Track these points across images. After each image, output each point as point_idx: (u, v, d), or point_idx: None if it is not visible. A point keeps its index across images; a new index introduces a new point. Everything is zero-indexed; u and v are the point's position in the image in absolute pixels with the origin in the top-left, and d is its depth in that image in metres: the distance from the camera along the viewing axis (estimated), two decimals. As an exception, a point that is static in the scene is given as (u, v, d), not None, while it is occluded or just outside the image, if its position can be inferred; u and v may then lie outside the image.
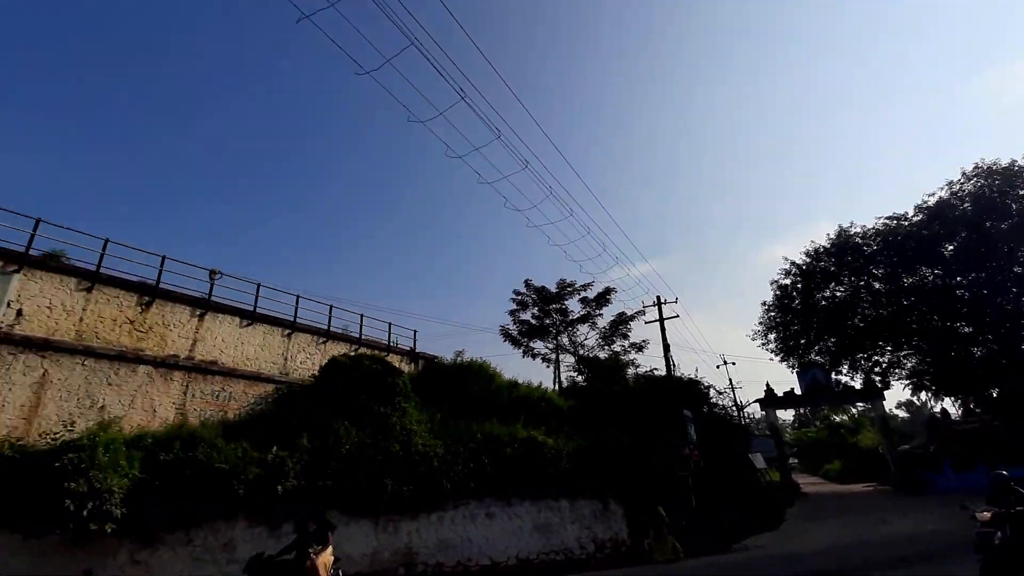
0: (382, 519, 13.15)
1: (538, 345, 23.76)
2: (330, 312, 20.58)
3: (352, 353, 18.39)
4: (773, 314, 36.89)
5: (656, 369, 23.41)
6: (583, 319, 23.48)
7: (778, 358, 37.00)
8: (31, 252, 13.49)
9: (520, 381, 21.76)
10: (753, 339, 38.06)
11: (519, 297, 23.80)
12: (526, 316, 23.70)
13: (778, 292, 36.42)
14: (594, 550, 14.75)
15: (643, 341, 23.89)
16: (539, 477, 14.79)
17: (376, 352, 21.67)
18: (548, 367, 24.59)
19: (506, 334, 23.71)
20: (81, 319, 14.02)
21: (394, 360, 22.53)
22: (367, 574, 12.52)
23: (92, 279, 14.36)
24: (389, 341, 22.66)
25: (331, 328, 20.41)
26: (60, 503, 9.77)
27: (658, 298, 20.61)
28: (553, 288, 23.62)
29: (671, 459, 17.42)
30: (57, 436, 11.42)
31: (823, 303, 34.31)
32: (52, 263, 13.96)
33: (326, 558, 7.92)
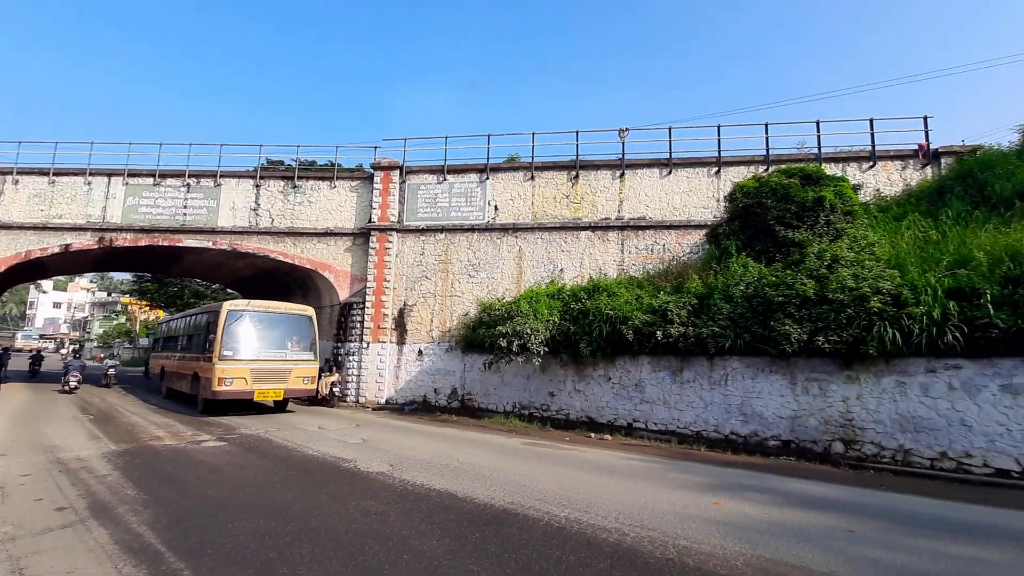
0: (799, 376, 9.77)
1: None
2: (766, 131, 16.29)
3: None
4: None
5: None
6: None
7: None
8: (491, 161, 17.63)
9: None
10: None
11: None
12: None
13: None
14: None
15: None
16: None
17: (843, 161, 15.65)
18: None
19: None
20: (532, 203, 17.24)
21: (887, 169, 15.75)
22: (787, 440, 9.76)
23: (531, 169, 17.28)
24: (873, 141, 15.66)
25: (770, 152, 16.17)
26: (495, 341, 12.76)
27: None
28: None
29: None
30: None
31: None
32: (507, 165, 17.78)
33: (327, 379, 16.43)
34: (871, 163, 15.68)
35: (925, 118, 15.73)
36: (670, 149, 16.68)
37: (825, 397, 9.43)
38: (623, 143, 17.01)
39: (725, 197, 13.04)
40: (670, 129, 16.81)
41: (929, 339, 8.27)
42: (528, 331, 12.51)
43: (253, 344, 14.01)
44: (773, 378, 10.10)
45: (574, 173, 17.11)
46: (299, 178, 18.91)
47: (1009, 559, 4.36)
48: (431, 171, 18.10)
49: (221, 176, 18.99)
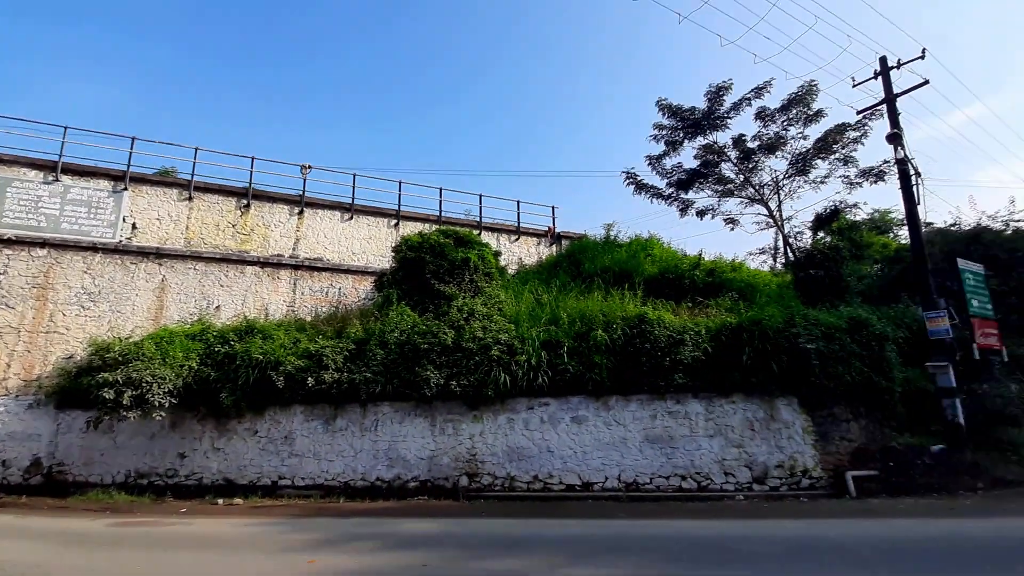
0: (439, 418, 10.65)
1: (702, 197, 16.44)
2: (440, 195, 18.32)
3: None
4: None
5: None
6: (770, 147, 14.96)
7: None
8: (132, 169, 14.47)
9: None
10: None
11: (662, 133, 16.42)
12: (676, 160, 16.53)
13: None
14: (750, 480, 9.48)
15: (880, 165, 14.22)
16: (654, 370, 10.00)
17: (498, 232, 18.77)
18: (733, 230, 17.40)
19: (635, 182, 16.70)
20: (187, 227, 14.76)
21: (528, 243, 19.38)
22: (424, 480, 10.35)
23: (189, 188, 14.88)
24: (519, 220, 19.36)
25: (442, 214, 18.19)
26: (98, 392, 10.07)
27: (883, 60, 11.24)
28: (702, 103, 15.42)
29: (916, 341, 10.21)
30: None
31: None
32: (157, 178, 14.92)
33: None
34: (517, 236, 19.19)
35: (553, 208, 20.32)
36: (353, 195, 16.93)
37: (457, 436, 10.48)
38: (305, 179, 16.44)
39: (393, 247, 13.75)
40: (355, 176, 17.14)
41: (529, 381, 10.17)
42: (149, 378, 10.23)
43: None
44: (417, 421, 10.73)
45: (245, 202, 15.52)
46: None
47: (534, 564, 5.35)
48: (36, 166, 13.67)
49: None
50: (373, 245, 16.94)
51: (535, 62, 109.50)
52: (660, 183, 16.42)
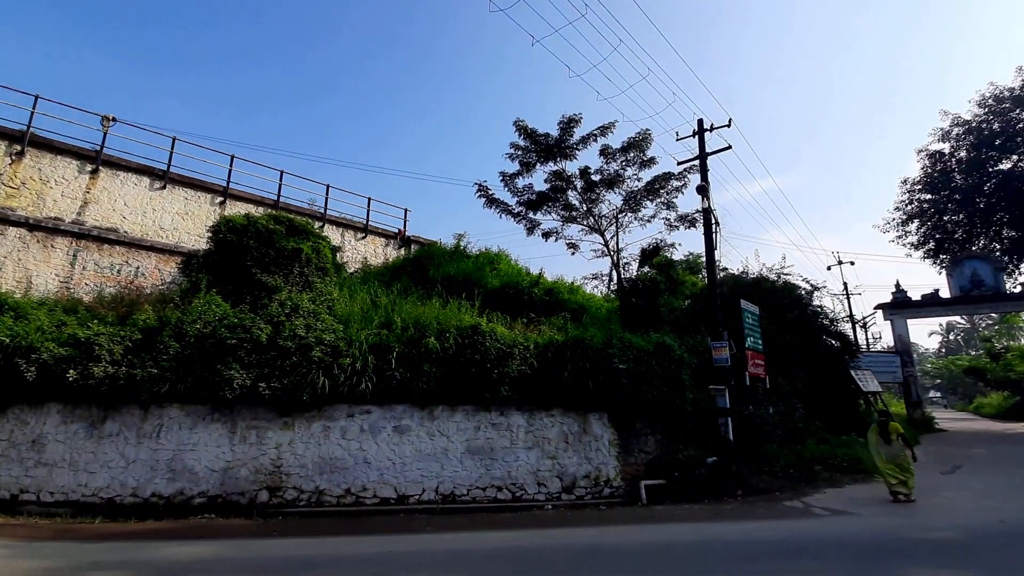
0: (240, 424, 9.42)
1: (549, 219, 17.48)
2: (280, 179, 16.71)
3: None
4: (919, 195, 26.94)
5: (730, 269, 16.30)
6: (609, 183, 16.66)
7: (921, 255, 27.49)
8: None
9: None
10: (884, 231, 28.56)
11: (518, 153, 17.29)
12: (528, 180, 17.39)
13: (929, 163, 26.18)
14: (560, 490, 9.97)
15: (694, 212, 16.71)
16: (482, 381, 10.06)
17: (344, 227, 17.70)
18: (575, 254, 18.80)
19: (486, 196, 17.22)
20: (-84, 166, 11.33)
21: (376, 243, 18.55)
22: (215, 495, 9.02)
23: (-75, 116, 11.46)
24: (368, 218, 18.49)
25: (281, 199, 16.60)
26: None
27: (700, 122, 13.40)
28: (556, 131, 16.52)
29: (702, 368, 11.84)
30: None
31: (1003, 175, 23.82)
32: None
33: None
34: (364, 235, 18.27)
35: (406, 210, 19.84)
36: (170, 161, 14.64)
37: (261, 445, 9.36)
38: (106, 133, 13.74)
39: (211, 227, 12.05)
40: (174, 139, 14.87)
41: (351, 387, 9.51)
42: None
43: None
44: (213, 427, 9.36)
45: (19, 148, 12.47)
46: None
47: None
48: None
49: None
50: (190, 222, 14.75)
51: (412, 68, 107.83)
52: (511, 200, 16.97)
